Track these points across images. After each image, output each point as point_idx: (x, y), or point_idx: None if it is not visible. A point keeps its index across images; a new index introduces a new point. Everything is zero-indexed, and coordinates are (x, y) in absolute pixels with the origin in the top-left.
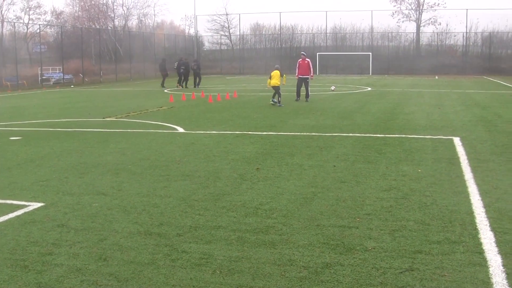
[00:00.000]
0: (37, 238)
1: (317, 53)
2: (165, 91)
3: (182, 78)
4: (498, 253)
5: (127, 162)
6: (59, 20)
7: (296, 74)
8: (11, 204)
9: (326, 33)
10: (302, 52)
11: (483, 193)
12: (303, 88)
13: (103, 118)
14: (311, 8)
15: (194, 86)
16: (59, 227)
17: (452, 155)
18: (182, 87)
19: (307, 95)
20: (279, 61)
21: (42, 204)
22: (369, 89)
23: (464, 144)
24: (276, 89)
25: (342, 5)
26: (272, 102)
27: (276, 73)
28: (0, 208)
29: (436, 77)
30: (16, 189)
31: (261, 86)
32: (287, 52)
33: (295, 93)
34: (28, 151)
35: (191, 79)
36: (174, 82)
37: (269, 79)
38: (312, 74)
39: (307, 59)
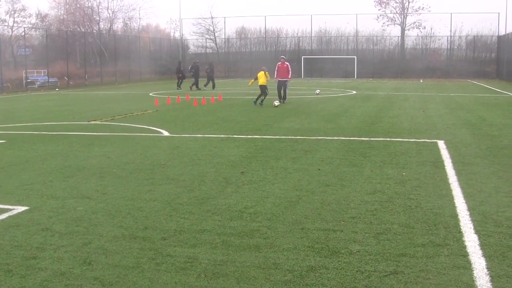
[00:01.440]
0: (21, 242)
1: (302, 57)
2: (176, 89)
3: (194, 80)
4: (482, 256)
5: (112, 165)
6: (44, 23)
7: (275, 77)
8: None
9: (311, 36)
10: (282, 56)
11: (467, 196)
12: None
13: (88, 121)
14: (296, 12)
15: (213, 88)
16: (43, 231)
17: (436, 158)
18: (192, 89)
19: (284, 97)
20: (264, 64)
21: (26, 207)
22: (354, 92)
23: (448, 147)
24: (263, 88)
25: (327, 8)
26: (260, 104)
27: (261, 74)
28: None
29: (421, 81)
30: (0, 192)
31: (247, 89)
32: (272, 55)
33: (277, 97)
34: (12, 155)
35: (202, 81)
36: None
37: (253, 79)
38: (290, 77)
39: (286, 62)
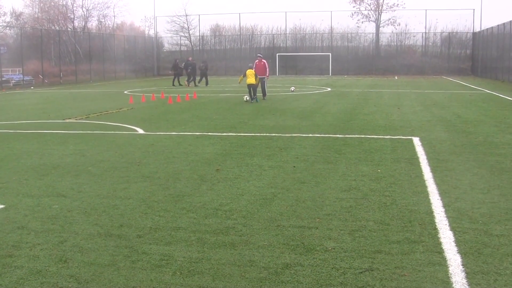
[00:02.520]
0: None
1: (277, 54)
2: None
3: (191, 77)
4: (458, 253)
5: (87, 163)
6: (19, 22)
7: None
8: None
9: (286, 33)
10: (259, 54)
11: (442, 193)
12: (259, 89)
13: (63, 119)
14: (271, 9)
15: (206, 85)
16: (19, 229)
17: (411, 155)
18: (190, 85)
19: (264, 94)
20: (239, 61)
21: (1, 206)
22: (329, 89)
23: (423, 144)
24: (254, 87)
25: (301, 5)
26: (253, 101)
27: (250, 72)
28: None
29: (396, 78)
30: None
31: (221, 87)
32: (247, 52)
33: (247, 92)
34: None
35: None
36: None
37: (242, 76)
38: (267, 74)
39: (263, 60)
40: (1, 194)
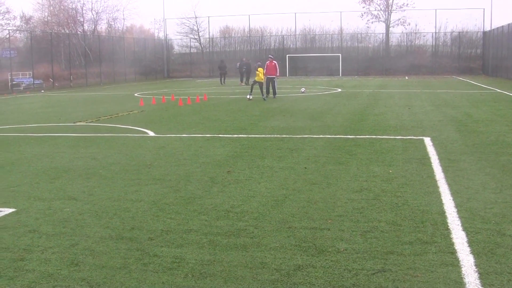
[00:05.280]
0: (9, 244)
1: (287, 55)
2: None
3: (244, 76)
4: (470, 253)
5: (98, 166)
6: (29, 25)
7: (264, 74)
8: None
9: (296, 34)
10: (270, 55)
11: (454, 193)
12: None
13: (74, 122)
14: (280, 10)
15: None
16: (30, 233)
17: (423, 155)
18: (245, 84)
19: (274, 93)
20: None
21: (13, 209)
22: (339, 90)
23: (434, 144)
24: (260, 84)
25: (311, 6)
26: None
27: (260, 70)
28: None
29: (406, 78)
30: None
31: (231, 89)
32: (256, 54)
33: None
34: None
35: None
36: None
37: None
38: (277, 74)
39: (274, 61)
40: (13, 198)
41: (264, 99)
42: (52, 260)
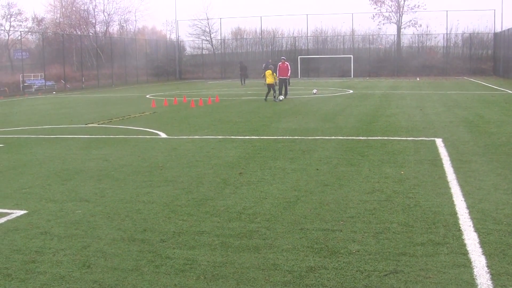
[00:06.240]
0: (20, 246)
1: (299, 57)
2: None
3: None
4: (482, 254)
5: (109, 168)
6: (41, 27)
7: (277, 76)
8: None
9: (307, 36)
10: (282, 57)
11: (466, 194)
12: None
13: (86, 124)
14: (292, 12)
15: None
16: (42, 235)
17: (434, 156)
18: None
19: (286, 93)
20: (260, 65)
21: (25, 211)
22: (351, 91)
23: (446, 145)
24: (271, 86)
25: (322, 8)
26: (272, 99)
27: (268, 72)
28: None
29: (418, 79)
30: None
31: (243, 90)
32: (268, 55)
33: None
34: (10, 159)
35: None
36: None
37: (274, 76)
38: (289, 75)
39: (286, 62)
40: (24, 200)
41: (275, 100)
42: (63, 262)
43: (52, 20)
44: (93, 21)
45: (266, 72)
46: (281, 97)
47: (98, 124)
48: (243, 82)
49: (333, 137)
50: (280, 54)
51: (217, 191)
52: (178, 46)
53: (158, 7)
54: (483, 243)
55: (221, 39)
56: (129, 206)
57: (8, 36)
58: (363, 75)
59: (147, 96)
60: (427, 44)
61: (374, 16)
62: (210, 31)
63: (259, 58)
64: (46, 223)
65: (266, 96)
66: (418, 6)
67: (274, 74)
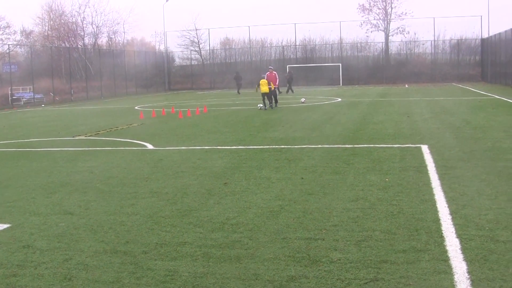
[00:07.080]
0: (2, 260)
1: (287, 66)
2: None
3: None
4: (463, 260)
5: (95, 180)
6: (29, 40)
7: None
8: None
9: (296, 45)
10: (270, 66)
11: (449, 200)
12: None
13: (73, 136)
14: (280, 21)
15: (292, 92)
16: (24, 248)
17: (419, 163)
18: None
19: (276, 101)
20: (249, 74)
21: (8, 225)
22: (339, 99)
23: (432, 152)
24: (268, 95)
25: (310, 17)
26: (259, 107)
27: (263, 82)
28: None
29: (406, 86)
30: None
31: (231, 100)
32: (257, 65)
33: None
34: None
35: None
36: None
37: (257, 87)
38: (277, 84)
39: (274, 71)
40: (8, 213)
41: (265, 108)
42: (45, 275)
43: (40, 33)
44: (82, 33)
45: (260, 81)
46: (260, 105)
47: (86, 137)
48: (238, 91)
49: (319, 146)
50: (269, 63)
51: (201, 201)
52: (167, 57)
53: (146, 19)
54: (464, 249)
55: (210, 50)
56: (113, 218)
57: None
58: (352, 83)
59: (136, 107)
60: (415, 51)
61: (362, 24)
62: (198, 41)
63: (248, 67)
64: (29, 236)
65: (270, 105)
66: (406, 13)
67: (271, 82)
